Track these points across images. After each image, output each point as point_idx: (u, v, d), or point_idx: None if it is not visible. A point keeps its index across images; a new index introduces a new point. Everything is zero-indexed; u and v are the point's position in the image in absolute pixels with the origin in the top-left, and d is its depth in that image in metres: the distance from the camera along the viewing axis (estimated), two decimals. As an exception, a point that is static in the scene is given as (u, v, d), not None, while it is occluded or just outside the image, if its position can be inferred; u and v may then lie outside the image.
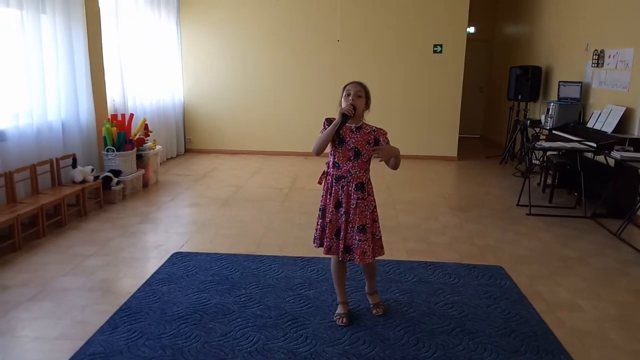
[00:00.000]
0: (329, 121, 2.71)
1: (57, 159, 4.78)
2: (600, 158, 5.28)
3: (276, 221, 4.80)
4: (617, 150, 4.67)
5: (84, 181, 4.90)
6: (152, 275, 3.47)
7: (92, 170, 5.05)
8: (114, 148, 5.38)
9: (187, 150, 8.59)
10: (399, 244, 4.24)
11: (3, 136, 4.23)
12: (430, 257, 3.95)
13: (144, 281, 3.39)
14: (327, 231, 2.75)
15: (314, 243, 2.84)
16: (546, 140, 6.15)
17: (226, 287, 3.30)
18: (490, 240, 4.40)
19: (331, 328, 2.80)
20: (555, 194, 5.84)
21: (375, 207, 2.79)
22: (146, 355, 2.51)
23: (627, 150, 4.68)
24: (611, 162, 5.07)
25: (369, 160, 2.72)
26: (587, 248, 4.27)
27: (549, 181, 6.06)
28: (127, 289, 3.28)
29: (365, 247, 2.69)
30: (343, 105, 2.68)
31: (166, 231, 4.51)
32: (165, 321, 2.84)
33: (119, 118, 5.60)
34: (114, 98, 6.12)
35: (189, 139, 8.56)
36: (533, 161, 6.38)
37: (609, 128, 5.31)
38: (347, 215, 2.70)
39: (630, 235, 4.55)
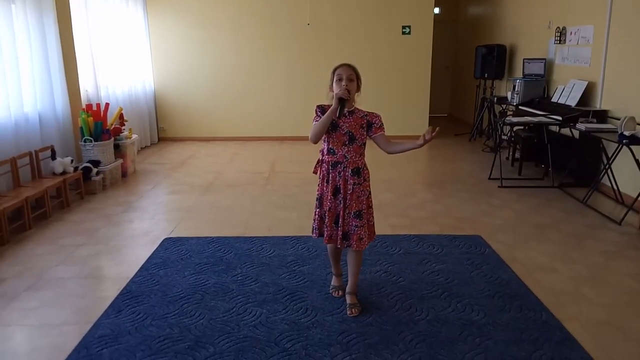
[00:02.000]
0: (321, 108, 2.66)
1: (36, 151, 4.74)
2: (566, 131, 5.58)
3: (260, 204, 4.91)
4: (581, 122, 4.95)
5: (64, 172, 4.88)
6: (147, 261, 3.54)
7: (72, 161, 5.03)
8: (91, 138, 5.35)
9: (161, 139, 8.54)
10: (382, 220, 4.41)
11: (-19, 130, 4.18)
12: (413, 230, 4.14)
13: (139, 267, 3.45)
14: (326, 220, 2.71)
15: (312, 233, 2.81)
16: (513, 115, 6.43)
17: (222, 268, 3.40)
18: (467, 213, 4.63)
19: (329, 299, 2.95)
20: (524, 166, 6.14)
21: (370, 192, 2.77)
22: (154, 334, 2.60)
23: (591, 122, 4.96)
24: (576, 134, 5.36)
25: (364, 144, 2.70)
26: (557, 215, 4.55)
27: (518, 155, 6.34)
28: (124, 274, 3.35)
29: (362, 233, 2.68)
30: (336, 90, 2.62)
31: (152, 218, 4.56)
32: (168, 302, 2.94)
33: (94, 108, 5.56)
34: (86, 88, 6.05)
35: (162, 127, 8.50)
36: (502, 136, 6.65)
37: (572, 102, 5.59)
38: (345, 201, 2.68)
39: (596, 202, 4.86)
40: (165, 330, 2.65)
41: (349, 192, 2.67)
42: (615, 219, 4.34)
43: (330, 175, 2.68)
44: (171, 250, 3.72)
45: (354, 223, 2.68)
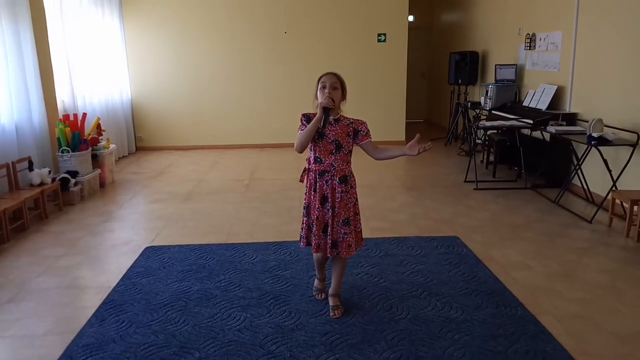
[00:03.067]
0: (306, 117, 2.68)
1: (13, 163, 4.69)
2: (537, 134, 5.75)
3: (242, 211, 4.94)
4: (551, 125, 5.12)
5: (41, 184, 4.84)
6: (129, 269, 3.55)
7: (49, 172, 4.99)
8: (69, 149, 5.32)
9: (138, 149, 8.49)
10: (364, 223, 4.40)
11: (-43, 142, 4.13)
12: (392, 233, 4.23)
13: (121, 276, 3.45)
14: (314, 229, 2.70)
15: (300, 242, 2.80)
16: (487, 120, 6.60)
17: (205, 275, 3.43)
18: (445, 214, 4.74)
19: (312, 302, 3.00)
20: (498, 169, 6.31)
21: (357, 199, 2.79)
22: (139, 342, 2.62)
23: (561, 125, 5.14)
24: (547, 136, 5.54)
25: (350, 152, 2.72)
26: (530, 215, 4.69)
27: (492, 158, 6.50)
28: (106, 284, 3.35)
29: (350, 240, 2.70)
30: (319, 99, 2.63)
31: (133, 227, 4.55)
32: (151, 309, 2.95)
33: (71, 118, 5.53)
34: (63, 99, 6.01)
35: (139, 137, 8.46)
36: (476, 140, 6.82)
37: (543, 105, 5.78)
38: (333, 209, 2.68)
39: (567, 202, 5.03)
40: (150, 337, 2.66)
41: (337, 200, 2.68)
42: (586, 217, 4.50)
43: (318, 183, 2.68)
44: (153, 259, 3.72)
45: (342, 231, 2.70)
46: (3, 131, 4.72)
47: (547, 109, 5.68)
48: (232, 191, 5.68)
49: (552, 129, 5.02)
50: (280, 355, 2.48)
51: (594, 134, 4.39)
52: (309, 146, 2.68)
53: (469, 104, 7.73)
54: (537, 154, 5.77)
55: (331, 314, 2.84)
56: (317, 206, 2.69)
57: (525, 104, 6.25)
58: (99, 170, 5.79)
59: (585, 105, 5.26)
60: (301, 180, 2.81)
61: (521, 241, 4.04)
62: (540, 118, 5.42)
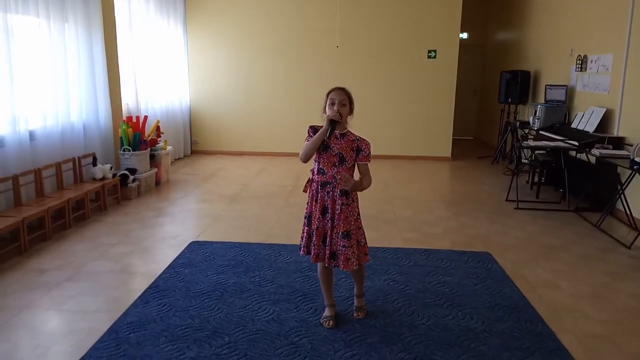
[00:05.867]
0: (313, 128, 2.76)
1: (79, 158, 5.15)
2: (583, 156, 5.68)
3: (283, 215, 5.18)
4: (597, 148, 5.07)
5: (103, 178, 5.27)
6: (174, 260, 3.85)
7: (111, 168, 5.43)
8: (130, 148, 5.75)
9: (193, 152, 8.96)
10: (396, 233, 4.62)
11: (33, 136, 4.61)
12: (424, 245, 4.33)
13: (167, 265, 3.76)
14: (314, 238, 2.76)
15: (300, 251, 2.86)
16: (534, 140, 6.56)
17: (242, 270, 3.67)
18: (480, 231, 4.79)
19: (337, 302, 3.17)
20: (542, 190, 6.25)
21: (359, 213, 2.82)
22: (177, 324, 2.88)
23: (606, 148, 5.08)
24: (592, 159, 5.47)
25: (353, 166, 2.77)
26: (568, 237, 4.66)
27: (536, 179, 6.45)
28: (153, 271, 3.66)
29: (349, 253, 2.71)
30: (328, 113, 2.71)
31: (182, 223, 4.89)
32: (190, 297, 3.22)
33: (134, 120, 5.98)
34: (127, 102, 6.49)
35: (195, 141, 8.94)
36: (522, 160, 6.79)
37: (591, 128, 5.71)
38: (333, 221, 2.72)
39: (609, 226, 4.95)
40: (186, 320, 2.92)
41: (337, 212, 2.72)
42: (626, 243, 4.43)
43: (319, 194, 2.74)
44: (196, 253, 4.01)
45: (341, 243, 2.72)
46: (72, 129, 5.19)
47: (595, 131, 5.61)
48: (275, 196, 5.95)
49: (596, 152, 4.97)
50: (302, 347, 2.67)
51: (637, 159, 4.34)
52: (314, 157, 2.76)
53: (518, 123, 7.68)
54: (582, 177, 5.70)
55: (355, 315, 2.99)
56: (317, 216, 2.75)
57: (573, 125, 6.18)
58: (155, 170, 6.21)
59: (633, 129, 5.17)
60: (304, 191, 2.86)
61: (554, 262, 4.04)
62: (586, 140, 5.36)
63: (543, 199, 6.04)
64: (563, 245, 4.44)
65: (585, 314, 3.15)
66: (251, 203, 5.63)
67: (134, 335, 2.76)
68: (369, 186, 2.80)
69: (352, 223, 2.75)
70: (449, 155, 8.66)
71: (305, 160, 2.74)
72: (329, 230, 2.74)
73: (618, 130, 5.43)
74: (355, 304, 3.06)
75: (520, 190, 5.88)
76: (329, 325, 2.89)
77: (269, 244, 4.24)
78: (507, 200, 5.92)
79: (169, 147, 6.67)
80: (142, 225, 4.74)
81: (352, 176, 2.75)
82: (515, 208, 5.59)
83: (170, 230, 4.68)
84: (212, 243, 4.24)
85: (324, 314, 2.98)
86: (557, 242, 4.52)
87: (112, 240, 4.32)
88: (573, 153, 5.84)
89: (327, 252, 2.75)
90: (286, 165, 7.95)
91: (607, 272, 3.86)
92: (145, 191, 5.94)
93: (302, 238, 2.87)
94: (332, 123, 2.68)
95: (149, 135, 6.20)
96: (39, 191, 4.56)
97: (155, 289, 3.34)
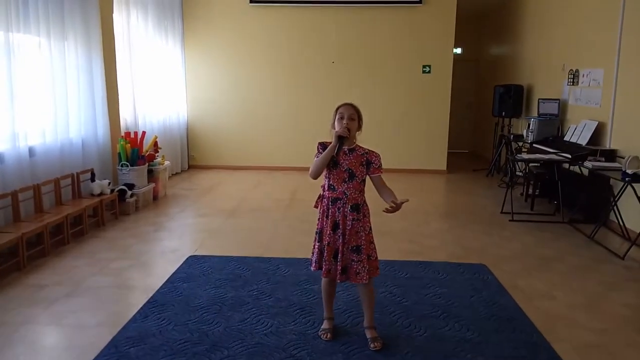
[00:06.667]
0: (322, 145, 2.78)
1: (77, 173, 5.19)
2: (576, 168, 5.76)
3: (280, 228, 5.22)
4: (589, 161, 5.14)
5: (101, 194, 5.30)
6: (172, 275, 3.88)
7: (109, 183, 5.46)
8: (128, 163, 5.80)
9: (190, 166, 9.01)
10: (392, 245, 4.67)
11: (33, 152, 4.65)
12: (421, 257, 4.38)
13: (165, 280, 3.78)
14: (325, 254, 2.77)
15: (311, 266, 2.88)
16: (528, 153, 6.64)
17: (240, 284, 3.70)
18: (476, 243, 4.84)
19: (335, 314, 3.20)
20: (536, 202, 6.32)
21: (370, 228, 2.83)
22: (176, 338, 2.91)
23: (599, 161, 5.16)
24: (585, 171, 5.55)
25: (364, 181, 2.79)
26: (563, 248, 4.71)
27: (531, 191, 6.52)
28: (152, 286, 3.68)
29: (359, 267, 2.73)
30: (337, 128, 2.74)
31: (180, 238, 4.92)
32: (189, 311, 3.25)
33: (132, 135, 6.03)
34: (126, 117, 6.55)
35: (192, 156, 8.99)
36: (517, 172, 6.86)
37: (583, 141, 5.80)
38: (344, 236, 2.74)
39: (603, 237, 5.01)
40: (185, 334, 2.95)
41: (348, 228, 2.73)
42: (619, 253, 4.49)
43: (330, 210, 2.76)
44: (194, 267, 4.04)
45: (352, 258, 2.75)
46: (71, 144, 5.24)
47: (587, 144, 5.70)
48: (273, 210, 5.99)
49: (589, 164, 5.05)
50: (301, 359, 2.69)
51: (629, 171, 4.41)
52: (324, 173, 2.78)
53: (512, 136, 7.78)
54: (576, 189, 5.77)
55: (371, 346, 2.81)
56: (328, 232, 2.76)
57: (566, 138, 6.27)
58: (153, 185, 6.25)
59: (624, 141, 5.26)
60: (315, 206, 2.88)
61: (549, 273, 4.09)
62: (579, 153, 5.45)
63: (537, 211, 6.10)
64: (558, 256, 4.49)
65: (580, 324, 3.19)
66: (249, 217, 5.67)
67: (134, 349, 2.78)
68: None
69: (363, 238, 2.75)
70: (445, 168, 8.74)
71: (315, 177, 2.76)
72: (340, 246, 2.75)
73: (610, 142, 5.52)
74: (368, 336, 2.88)
75: (515, 203, 5.95)
76: (326, 337, 2.91)
77: (267, 258, 4.28)
78: (502, 212, 5.98)
79: (166, 162, 6.71)
80: (141, 240, 4.77)
81: (363, 191, 2.79)
82: (510, 220, 5.65)
83: (168, 244, 4.71)
84: (210, 257, 4.28)
85: (322, 327, 3.00)
86: (551, 253, 4.57)
87: (111, 255, 4.34)
88: (566, 165, 5.92)
89: (339, 267, 2.75)
90: (283, 180, 8.00)
91: (601, 282, 3.91)
92: (143, 206, 5.97)
93: (313, 253, 2.88)
94: (340, 139, 2.69)
95: (146, 151, 6.25)
96: (37, 207, 4.59)
97: (154, 303, 3.36)
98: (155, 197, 6.37)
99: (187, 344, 2.84)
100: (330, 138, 2.78)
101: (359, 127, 2.82)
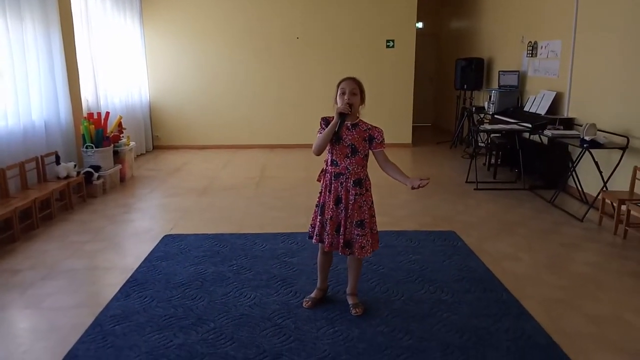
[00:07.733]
0: (325, 120, 2.77)
1: (42, 156, 5.05)
2: (536, 137, 6.01)
3: (253, 205, 5.26)
4: (549, 130, 5.37)
5: (67, 176, 5.19)
6: (150, 254, 3.88)
7: (75, 166, 5.35)
8: (92, 145, 5.67)
9: (155, 147, 8.86)
10: (366, 218, 4.78)
11: (-5, 136, 4.50)
12: (393, 227, 4.51)
13: (143, 259, 3.78)
14: (327, 228, 2.78)
15: (312, 239, 2.87)
16: (489, 124, 6.86)
17: (219, 260, 3.74)
18: (444, 212, 5.01)
19: (316, 284, 3.29)
20: (499, 171, 6.57)
21: (372, 202, 2.84)
22: (161, 314, 2.94)
23: (558, 129, 5.39)
24: (545, 140, 5.80)
25: (366, 156, 2.78)
26: (526, 214, 4.95)
27: (493, 160, 6.76)
28: (129, 266, 3.67)
29: (364, 241, 2.76)
30: (339, 104, 2.72)
31: (152, 218, 4.90)
32: (171, 288, 3.28)
33: (95, 117, 5.89)
34: (87, 98, 6.38)
35: (156, 136, 8.84)
36: (479, 143, 7.09)
37: (542, 110, 6.04)
38: (346, 210, 2.75)
39: (562, 202, 5.28)
40: (170, 310, 2.98)
41: (351, 202, 2.75)
42: (578, 216, 4.75)
43: (333, 185, 2.77)
44: (171, 245, 4.05)
45: (356, 232, 2.76)
46: (33, 127, 5.08)
47: (546, 113, 5.93)
48: (244, 187, 6.01)
49: (548, 132, 5.27)
50: (286, 327, 2.78)
51: (587, 138, 4.65)
52: (327, 148, 2.78)
53: (474, 108, 8.00)
54: (536, 157, 6.02)
55: (353, 312, 2.91)
56: (331, 206, 2.77)
57: (526, 109, 6.50)
58: (119, 166, 6.15)
59: (581, 110, 5.52)
60: (318, 180, 2.89)
61: (514, 236, 4.30)
62: (539, 122, 5.67)
63: (500, 179, 6.35)
64: (521, 221, 4.71)
65: (545, 282, 3.40)
66: (220, 195, 5.67)
67: (119, 327, 2.80)
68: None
69: (366, 212, 2.78)
70: (410, 141, 8.91)
71: (318, 153, 2.76)
72: (342, 220, 2.77)
73: (568, 111, 5.76)
74: (350, 302, 2.99)
75: (479, 172, 6.16)
76: (307, 305, 2.99)
77: (243, 234, 4.32)
78: (467, 182, 6.19)
79: (132, 143, 6.60)
80: (112, 222, 4.72)
81: (366, 166, 2.80)
82: (475, 189, 5.86)
83: (141, 225, 4.68)
84: (186, 235, 4.28)
85: (310, 295, 3.07)
86: (515, 219, 4.79)
87: (83, 238, 4.29)
88: (527, 135, 6.16)
89: (341, 240, 2.77)
90: (251, 157, 8.00)
91: (562, 243, 4.15)
92: (110, 188, 5.88)
93: (312, 226, 2.89)
94: (342, 115, 2.69)
95: (111, 132, 6.12)
96: (3, 192, 4.46)
97: (135, 282, 3.37)
98: (122, 179, 6.27)
99: (173, 319, 2.87)
100: (332, 113, 2.76)
101: (362, 102, 2.80)
